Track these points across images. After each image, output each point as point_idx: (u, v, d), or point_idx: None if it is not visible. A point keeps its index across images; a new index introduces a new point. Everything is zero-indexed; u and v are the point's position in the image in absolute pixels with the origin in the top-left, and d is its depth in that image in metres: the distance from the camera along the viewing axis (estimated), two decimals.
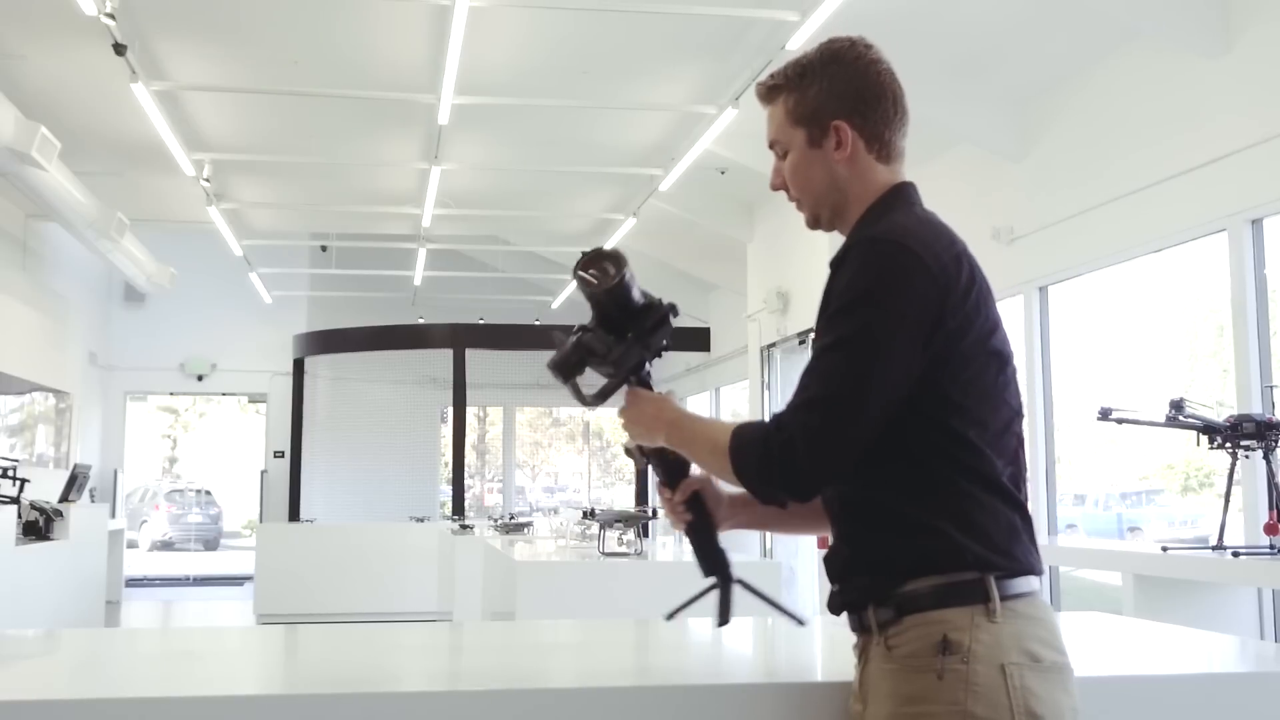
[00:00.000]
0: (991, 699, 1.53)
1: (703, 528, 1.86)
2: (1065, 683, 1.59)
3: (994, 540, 1.61)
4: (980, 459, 1.62)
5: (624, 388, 1.82)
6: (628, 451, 1.96)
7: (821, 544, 9.55)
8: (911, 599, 1.59)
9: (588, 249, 1.80)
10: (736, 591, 1.84)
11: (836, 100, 1.75)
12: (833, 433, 1.58)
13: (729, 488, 1.90)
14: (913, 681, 1.57)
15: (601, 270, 1.75)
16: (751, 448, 1.63)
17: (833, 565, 1.73)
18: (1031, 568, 1.64)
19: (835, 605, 1.73)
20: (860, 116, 1.74)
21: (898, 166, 1.79)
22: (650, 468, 1.90)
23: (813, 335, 1.72)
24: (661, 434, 1.79)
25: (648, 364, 1.82)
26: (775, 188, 1.85)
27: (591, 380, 1.85)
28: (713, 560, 1.85)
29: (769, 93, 1.82)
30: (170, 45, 7.60)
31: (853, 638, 1.75)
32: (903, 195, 1.76)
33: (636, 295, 1.79)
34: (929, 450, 1.62)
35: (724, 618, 1.79)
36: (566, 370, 1.80)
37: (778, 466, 1.60)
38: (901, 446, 1.62)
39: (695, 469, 1.87)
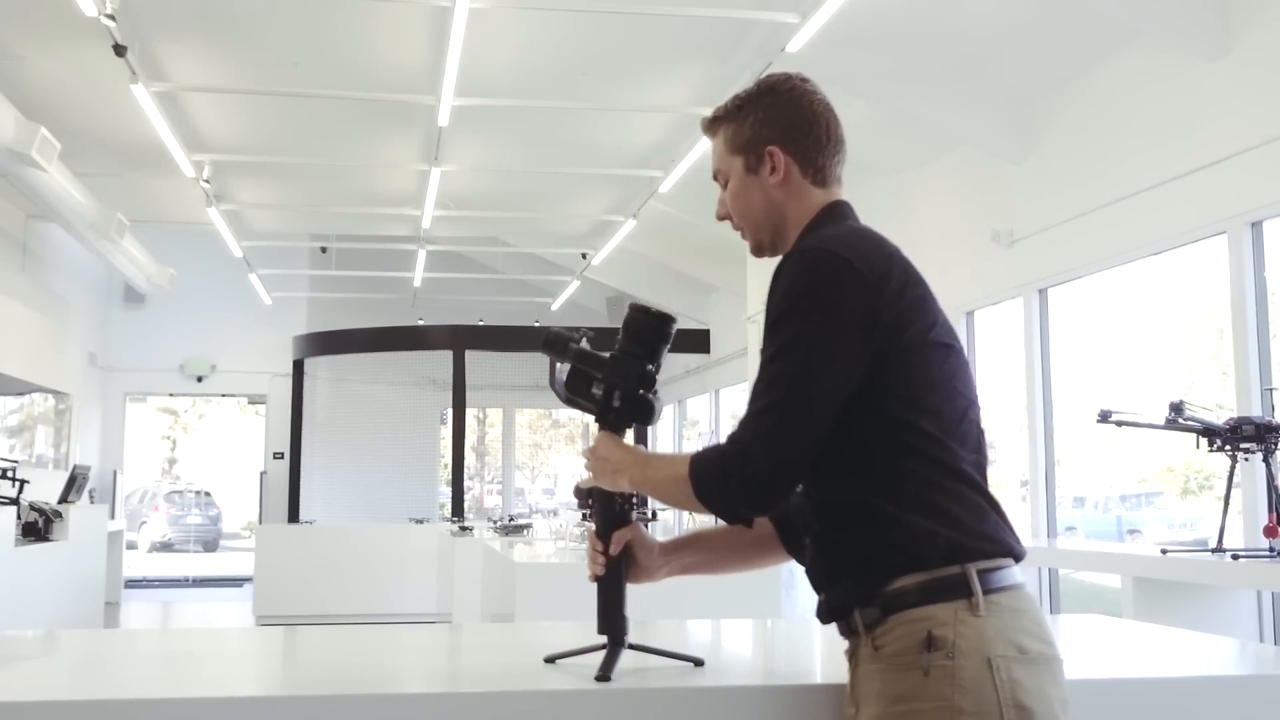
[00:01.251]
0: (978, 693, 1.53)
1: (614, 587, 1.89)
2: (1054, 674, 1.59)
3: (965, 524, 1.62)
4: (939, 447, 1.65)
5: (596, 429, 1.88)
6: (576, 492, 2.03)
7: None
8: (895, 598, 1.60)
9: (547, 329, 1.94)
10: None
11: (770, 128, 1.83)
12: (785, 436, 1.63)
13: (660, 538, 1.99)
14: (900, 680, 1.57)
15: (552, 356, 1.93)
16: (710, 467, 1.68)
17: (815, 575, 1.77)
18: (1010, 548, 1.65)
19: (823, 613, 1.75)
20: (793, 143, 1.82)
21: (834, 190, 1.85)
22: (591, 513, 1.95)
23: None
24: (625, 475, 1.82)
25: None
26: (720, 218, 1.92)
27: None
28: (612, 621, 1.88)
29: (711, 125, 1.91)
30: (170, 46, 7.60)
31: (844, 642, 1.75)
32: (835, 212, 1.83)
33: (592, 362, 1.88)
34: (887, 444, 1.65)
35: (604, 675, 1.80)
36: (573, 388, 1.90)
37: (737, 480, 1.64)
38: (861, 445, 1.65)
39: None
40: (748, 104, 1.87)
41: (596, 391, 1.87)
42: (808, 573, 1.80)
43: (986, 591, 1.58)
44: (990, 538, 1.64)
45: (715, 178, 1.91)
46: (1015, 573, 1.64)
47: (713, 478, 1.67)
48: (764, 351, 1.69)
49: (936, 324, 1.70)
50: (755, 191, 1.84)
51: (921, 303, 1.69)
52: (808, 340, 1.63)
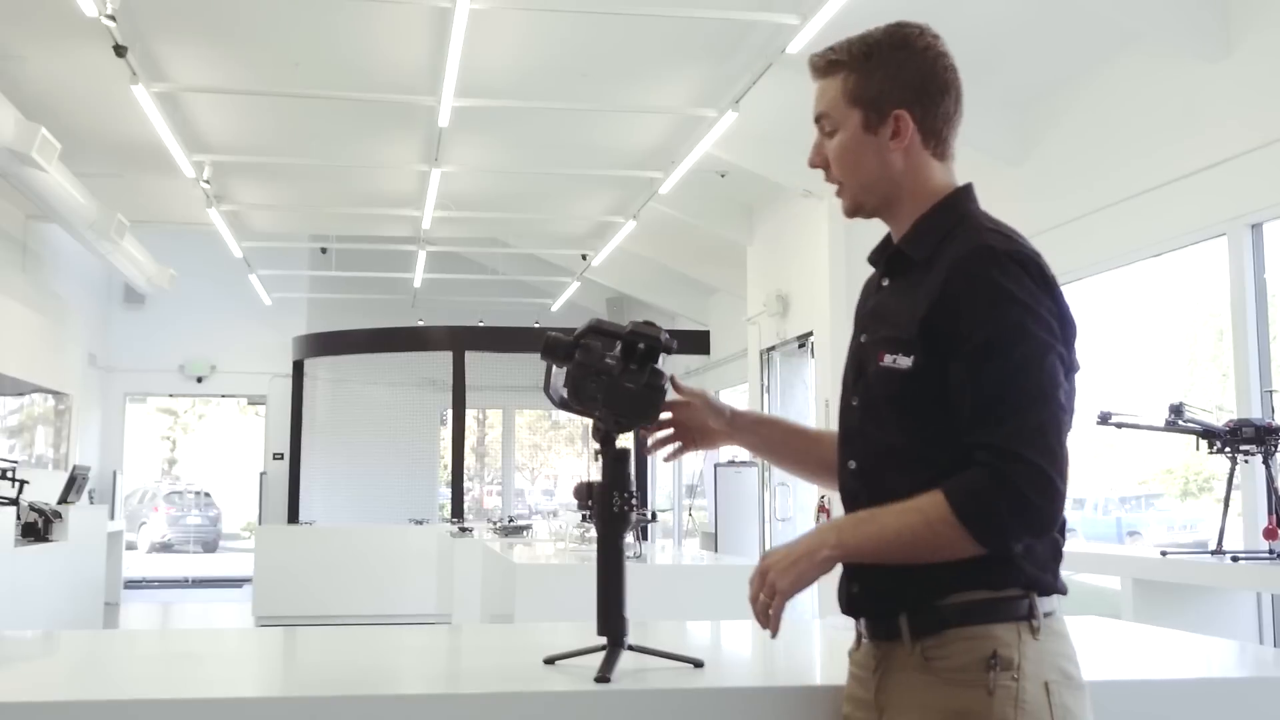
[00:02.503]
0: (1038, 716, 1.52)
1: (614, 587, 1.88)
2: (1088, 700, 1.60)
3: (1040, 560, 1.59)
4: None
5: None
6: (576, 492, 2.01)
7: None
8: (957, 612, 1.56)
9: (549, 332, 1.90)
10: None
11: (901, 89, 1.68)
12: (1061, 447, 1.53)
13: (729, 405, 1.96)
14: (959, 696, 1.54)
15: (551, 362, 1.90)
16: (992, 499, 1.51)
17: (858, 564, 1.67)
18: (1064, 589, 1.64)
19: (853, 606, 1.69)
20: (922, 109, 1.69)
21: (951, 165, 1.75)
22: (591, 514, 1.94)
23: (868, 322, 1.68)
24: (827, 548, 1.60)
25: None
26: (814, 165, 1.78)
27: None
28: (612, 622, 1.87)
29: (828, 67, 1.73)
30: (171, 47, 7.60)
31: (848, 641, 1.74)
32: (974, 197, 1.74)
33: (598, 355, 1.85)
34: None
35: (604, 676, 1.80)
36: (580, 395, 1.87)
37: (1035, 504, 1.51)
38: (958, 452, 1.56)
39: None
40: (877, 54, 1.70)
41: (599, 395, 1.84)
42: None
43: (1044, 615, 1.57)
44: (1056, 582, 1.61)
45: (818, 121, 1.75)
46: (1058, 598, 1.63)
47: (1007, 510, 1.50)
48: (985, 357, 1.55)
49: (1075, 336, 1.65)
50: (870, 152, 1.70)
51: (1067, 312, 1.64)
52: (1039, 348, 1.55)
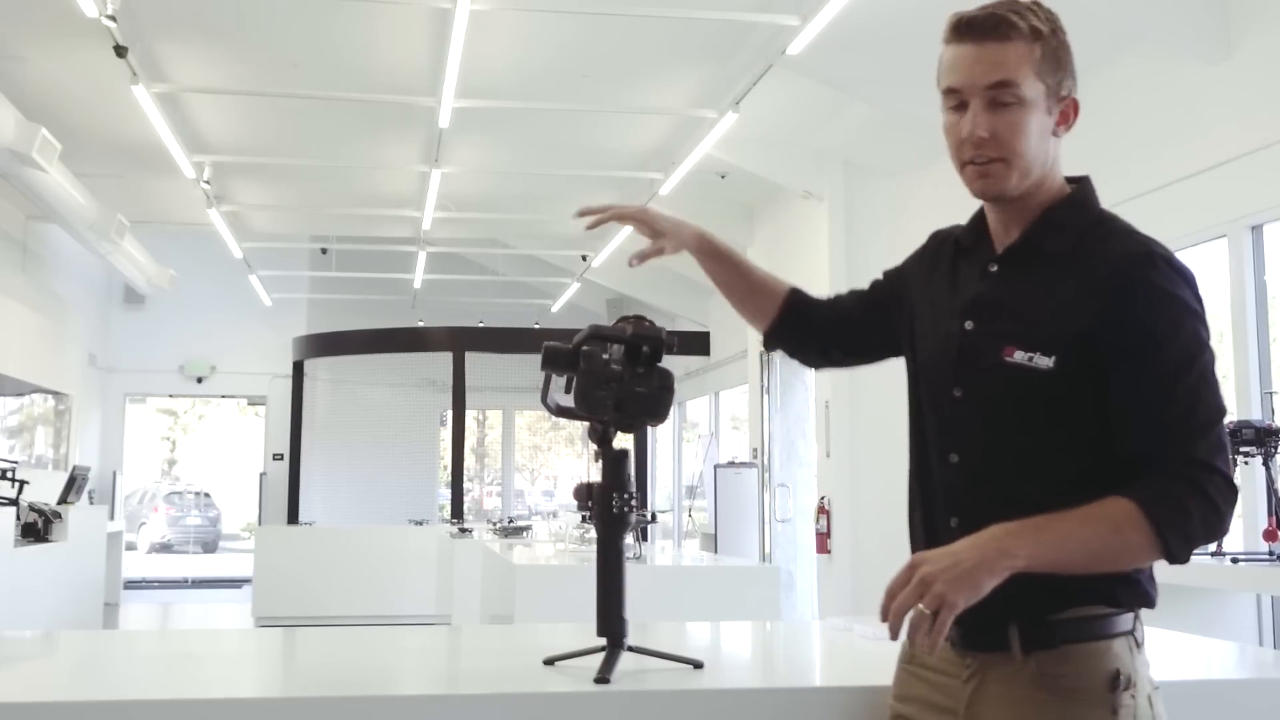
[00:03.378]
0: None
1: (613, 588, 1.88)
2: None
3: (1150, 576, 1.59)
4: None
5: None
6: (575, 493, 2.01)
7: (821, 547, 9.43)
8: (1076, 627, 1.52)
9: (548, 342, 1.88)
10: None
11: (1073, 74, 1.63)
12: (1227, 449, 1.53)
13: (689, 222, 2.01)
14: (1082, 716, 1.49)
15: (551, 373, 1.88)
16: (1192, 510, 1.48)
17: None
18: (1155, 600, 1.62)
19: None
20: (1076, 98, 1.64)
21: None
22: (591, 515, 1.93)
23: (981, 309, 1.64)
24: (1022, 555, 1.46)
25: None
26: (975, 141, 1.59)
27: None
28: (611, 623, 1.87)
29: (1009, 30, 1.58)
30: (171, 48, 7.60)
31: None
32: (1094, 191, 1.69)
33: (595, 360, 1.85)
34: (1118, 469, 1.54)
35: (604, 677, 1.80)
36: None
37: (1224, 515, 1.49)
38: (1099, 460, 1.54)
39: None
40: (1058, 35, 1.61)
41: (609, 401, 1.83)
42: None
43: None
44: (1154, 582, 1.60)
45: (995, 88, 1.57)
46: None
47: (1201, 521, 1.48)
48: (1151, 361, 1.52)
49: None
50: (1044, 132, 1.60)
51: None
52: (1206, 351, 1.53)
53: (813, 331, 1.99)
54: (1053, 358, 1.54)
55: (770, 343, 2.02)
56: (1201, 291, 1.57)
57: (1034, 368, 1.55)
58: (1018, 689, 1.52)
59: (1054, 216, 1.63)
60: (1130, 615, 1.55)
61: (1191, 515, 1.47)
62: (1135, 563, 1.52)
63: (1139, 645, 1.55)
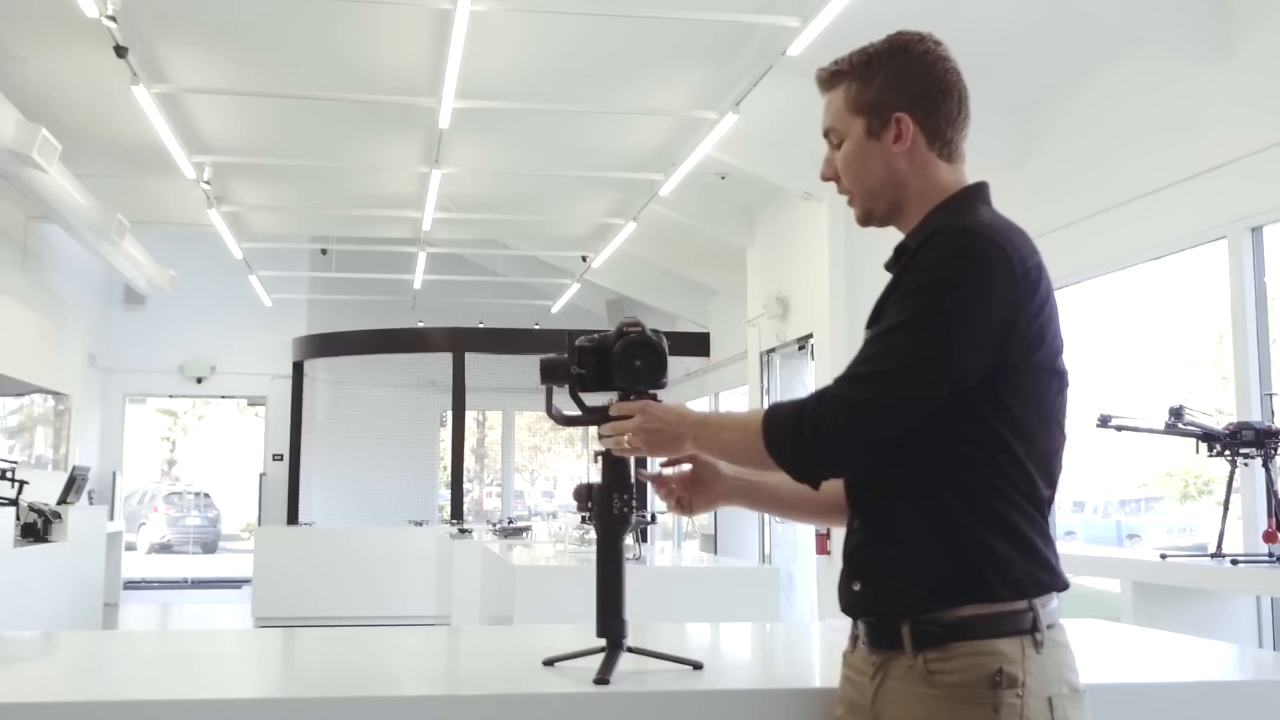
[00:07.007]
0: None
1: (613, 589, 1.89)
2: (1088, 708, 1.59)
3: (1037, 553, 1.59)
4: (1025, 477, 1.60)
5: (623, 400, 1.85)
6: (576, 494, 2.04)
7: (820, 548, 9.48)
8: (962, 626, 1.55)
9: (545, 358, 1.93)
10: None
11: (899, 92, 1.70)
12: (885, 407, 1.55)
13: (729, 467, 1.93)
14: (961, 713, 1.52)
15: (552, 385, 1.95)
16: (785, 422, 1.61)
17: (859, 563, 1.67)
18: (1064, 580, 1.62)
19: (858, 608, 1.67)
20: (923, 112, 1.70)
21: (960, 166, 1.74)
22: (590, 515, 1.97)
23: (873, 320, 1.68)
24: (687, 438, 1.75)
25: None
26: (826, 178, 1.80)
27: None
28: (611, 624, 1.88)
29: (831, 79, 1.77)
30: (171, 48, 7.60)
31: (843, 642, 1.74)
32: (983, 194, 1.73)
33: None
34: (982, 458, 1.58)
35: (603, 678, 1.80)
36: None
37: (810, 439, 1.57)
38: (957, 451, 1.58)
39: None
40: (876, 62, 1.73)
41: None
42: (849, 553, 1.70)
43: (1047, 627, 1.56)
44: (1053, 569, 1.61)
45: (826, 135, 1.78)
46: (1058, 606, 1.62)
47: (789, 434, 1.59)
48: (885, 319, 1.61)
49: (1061, 350, 1.64)
50: (875, 158, 1.72)
51: (1054, 323, 1.63)
52: (941, 321, 1.54)
53: None
54: None
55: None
56: (1028, 265, 1.59)
57: None
58: (910, 685, 1.57)
59: (927, 219, 1.71)
60: (1028, 615, 1.55)
61: (786, 426, 1.60)
62: (767, 466, 1.63)
63: (1040, 646, 1.54)
